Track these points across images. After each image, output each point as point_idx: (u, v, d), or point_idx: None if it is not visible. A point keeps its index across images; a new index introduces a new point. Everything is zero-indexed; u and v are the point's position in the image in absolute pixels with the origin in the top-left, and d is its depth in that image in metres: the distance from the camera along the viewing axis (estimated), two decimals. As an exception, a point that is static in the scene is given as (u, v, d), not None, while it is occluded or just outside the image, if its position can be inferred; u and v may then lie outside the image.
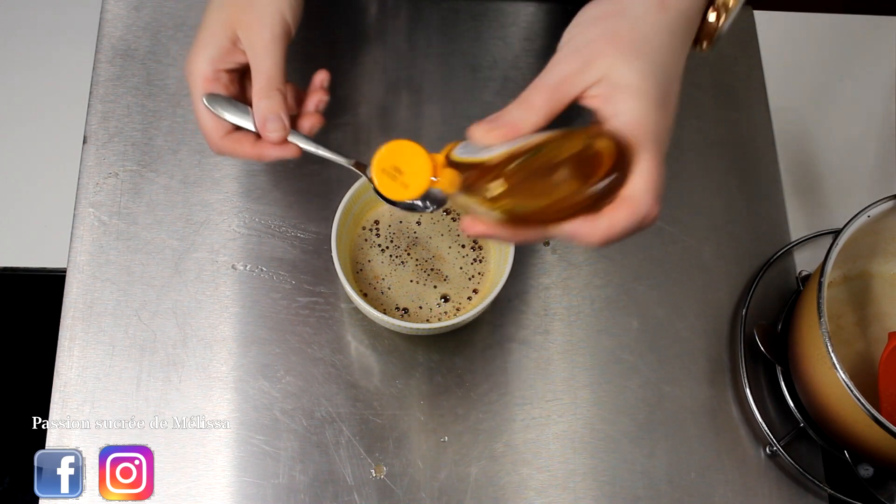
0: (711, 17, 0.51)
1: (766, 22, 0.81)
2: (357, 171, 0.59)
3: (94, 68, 0.74)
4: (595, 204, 0.46)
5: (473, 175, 0.47)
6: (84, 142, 0.72)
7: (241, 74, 0.58)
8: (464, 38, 0.78)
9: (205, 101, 0.56)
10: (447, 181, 0.50)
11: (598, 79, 0.46)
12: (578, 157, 0.45)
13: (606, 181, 0.45)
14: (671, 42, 0.48)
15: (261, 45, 0.55)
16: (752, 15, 0.81)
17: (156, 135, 0.72)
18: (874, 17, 0.84)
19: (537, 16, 0.80)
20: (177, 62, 0.75)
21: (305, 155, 0.58)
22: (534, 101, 0.47)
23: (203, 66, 0.56)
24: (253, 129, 0.57)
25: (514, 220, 0.46)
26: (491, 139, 0.47)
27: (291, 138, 0.57)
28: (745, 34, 0.81)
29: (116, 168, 0.71)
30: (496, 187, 0.45)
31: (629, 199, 0.46)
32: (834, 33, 0.85)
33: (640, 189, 0.45)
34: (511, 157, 0.46)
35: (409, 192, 0.51)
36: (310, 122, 0.59)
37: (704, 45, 0.52)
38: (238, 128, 0.57)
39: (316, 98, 0.59)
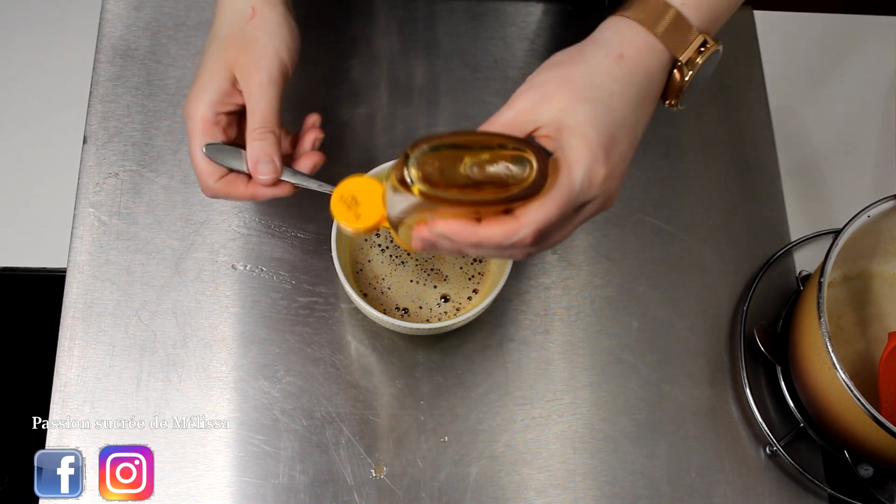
0: (677, 74, 0.51)
1: (766, 22, 0.81)
2: None
3: (94, 68, 0.74)
4: (506, 206, 0.47)
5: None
6: (84, 142, 0.72)
7: (240, 116, 0.58)
8: (464, 38, 0.78)
9: (204, 151, 0.56)
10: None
11: (548, 119, 0.48)
12: (496, 155, 0.46)
13: (515, 185, 0.45)
14: (624, 92, 0.49)
15: (257, 87, 0.55)
16: (752, 15, 0.81)
17: (156, 135, 0.73)
18: (874, 17, 0.84)
19: (537, 16, 0.80)
20: (177, 62, 0.75)
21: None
22: None
23: (204, 110, 0.56)
24: (246, 170, 0.57)
25: (431, 201, 0.46)
26: None
27: (284, 177, 0.57)
28: (745, 34, 0.81)
29: (116, 168, 0.71)
30: (413, 166, 0.46)
31: (514, 221, 0.47)
32: (834, 33, 0.85)
33: (529, 218, 0.46)
34: (434, 144, 0.47)
35: (360, 223, 0.54)
36: (312, 160, 0.59)
37: (672, 101, 0.53)
38: (231, 169, 0.57)
39: (312, 136, 0.59)
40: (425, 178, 0.45)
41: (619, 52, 0.49)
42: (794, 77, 0.82)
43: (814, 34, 0.84)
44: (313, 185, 0.58)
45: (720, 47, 0.51)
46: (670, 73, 0.51)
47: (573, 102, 0.48)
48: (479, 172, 0.45)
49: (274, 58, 0.56)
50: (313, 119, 0.60)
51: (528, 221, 0.46)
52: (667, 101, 0.53)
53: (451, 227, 0.47)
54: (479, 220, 0.48)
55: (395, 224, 0.52)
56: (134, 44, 0.75)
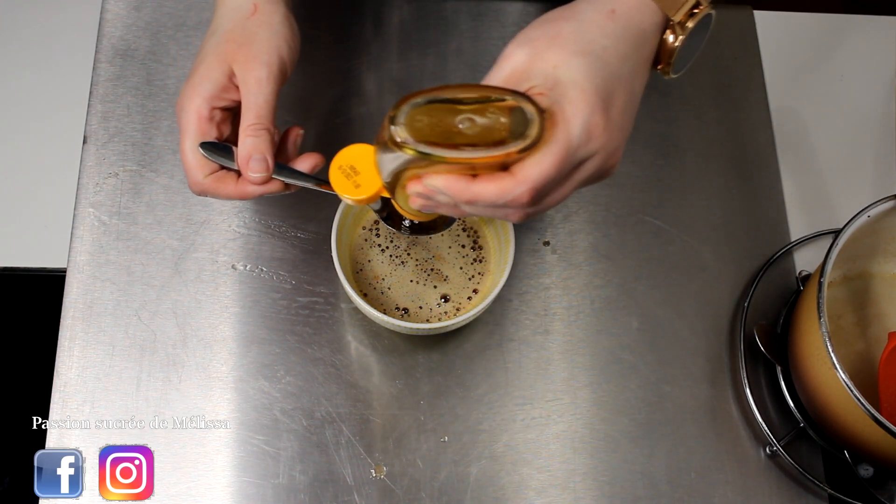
0: (670, 37, 0.51)
1: (766, 22, 0.81)
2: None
3: (94, 68, 0.74)
4: (504, 161, 0.45)
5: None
6: (84, 142, 0.72)
7: (234, 115, 0.57)
8: (464, 38, 0.78)
9: (201, 150, 0.55)
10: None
11: (542, 76, 0.47)
12: (488, 108, 0.44)
13: (513, 140, 0.44)
14: (618, 46, 0.48)
15: (254, 82, 0.54)
16: (752, 15, 0.81)
17: (156, 135, 0.73)
18: (874, 17, 0.84)
19: (537, 16, 0.80)
20: (177, 62, 0.75)
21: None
22: None
23: (199, 104, 0.54)
24: (237, 168, 0.55)
25: (422, 159, 0.45)
26: None
27: (275, 174, 0.55)
28: (745, 34, 0.81)
29: (116, 168, 0.71)
30: (400, 124, 0.44)
31: (510, 178, 0.45)
32: (834, 33, 0.85)
33: (525, 175, 0.45)
34: (422, 98, 0.45)
35: (360, 192, 0.52)
36: (312, 161, 0.57)
37: (664, 66, 0.52)
38: (222, 167, 0.56)
39: (293, 134, 0.58)
40: (414, 136, 0.43)
41: (610, 7, 0.49)
42: (794, 77, 0.82)
43: (814, 34, 0.84)
44: (306, 183, 0.56)
45: (713, 12, 0.51)
46: (662, 36, 0.51)
47: (566, 57, 0.47)
48: (472, 128, 0.44)
49: (274, 54, 0.55)
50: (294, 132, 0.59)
51: (523, 178, 0.45)
52: (659, 66, 0.52)
53: (443, 181, 0.46)
54: (475, 175, 0.46)
55: (392, 187, 0.50)
56: (134, 44, 0.75)
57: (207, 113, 0.55)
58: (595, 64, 0.47)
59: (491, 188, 0.45)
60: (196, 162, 0.55)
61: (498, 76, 0.48)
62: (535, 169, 0.45)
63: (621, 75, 0.48)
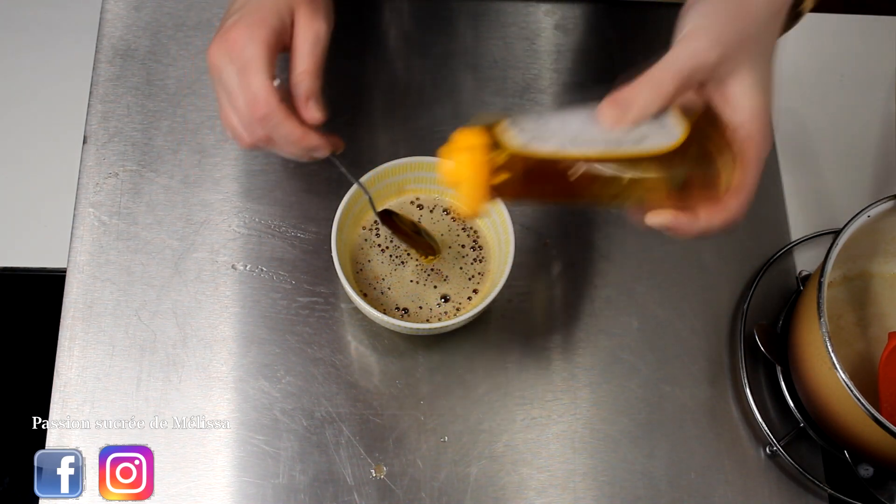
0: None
1: (766, 22, 0.81)
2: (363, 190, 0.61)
3: (94, 68, 0.74)
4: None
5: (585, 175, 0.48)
6: (84, 142, 0.72)
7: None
8: (464, 38, 0.78)
9: (275, 84, 0.54)
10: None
11: (724, 78, 0.49)
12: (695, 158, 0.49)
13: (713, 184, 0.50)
14: (776, 30, 0.52)
15: (314, 34, 0.56)
16: (752, 15, 0.81)
17: (156, 135, 0.73)
18: (874, 17, 0.84)
19: (537, 16, 0.80)
20: (177, 62, 0.75)
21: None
22: (665, 85, 0.47)
23: (268, 34, 0.53)
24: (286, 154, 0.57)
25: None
26: (622, 124, 0.47)
27: (333, 158, 0.57)
28: (745, 34, 0.81)
29: (116, 168, 0.71)
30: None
31: (730, 206, 0.49)
32: (834, 33, 0.85)
33: (740, 202, 0.49)
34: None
35: (466, 211, 0.49)
36: (333, 142, 0.59)
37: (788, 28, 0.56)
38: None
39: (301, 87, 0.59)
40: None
41: (778, 7, 0.51)
42: (794, 77, 0.82)
43: (814, 34, 0.84)
44: (349, 175, 0.59)
45: None
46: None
47: (754, 73, 0.49)
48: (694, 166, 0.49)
49: (329, 11, 0.58)
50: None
51: (739, 206, 0.49)
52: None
53: (672, 219, 0.50)
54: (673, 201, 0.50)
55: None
56: (134, 44, 0.75)
57: (275, 44, 0.54)
58: (769, 86, 0.51)
59: (719, 219, 0.50)
60: (271, 89, 0.54)
61: (683, 64, 0.48)
62: (746, 196, 0.50)
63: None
